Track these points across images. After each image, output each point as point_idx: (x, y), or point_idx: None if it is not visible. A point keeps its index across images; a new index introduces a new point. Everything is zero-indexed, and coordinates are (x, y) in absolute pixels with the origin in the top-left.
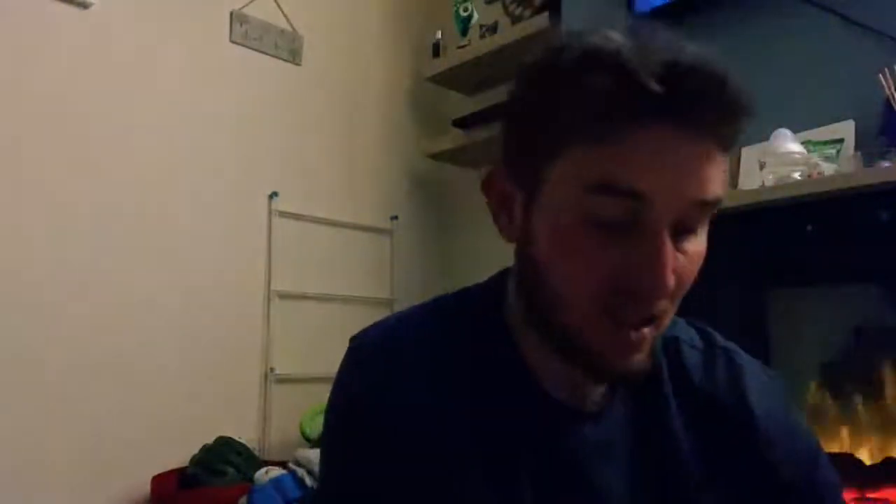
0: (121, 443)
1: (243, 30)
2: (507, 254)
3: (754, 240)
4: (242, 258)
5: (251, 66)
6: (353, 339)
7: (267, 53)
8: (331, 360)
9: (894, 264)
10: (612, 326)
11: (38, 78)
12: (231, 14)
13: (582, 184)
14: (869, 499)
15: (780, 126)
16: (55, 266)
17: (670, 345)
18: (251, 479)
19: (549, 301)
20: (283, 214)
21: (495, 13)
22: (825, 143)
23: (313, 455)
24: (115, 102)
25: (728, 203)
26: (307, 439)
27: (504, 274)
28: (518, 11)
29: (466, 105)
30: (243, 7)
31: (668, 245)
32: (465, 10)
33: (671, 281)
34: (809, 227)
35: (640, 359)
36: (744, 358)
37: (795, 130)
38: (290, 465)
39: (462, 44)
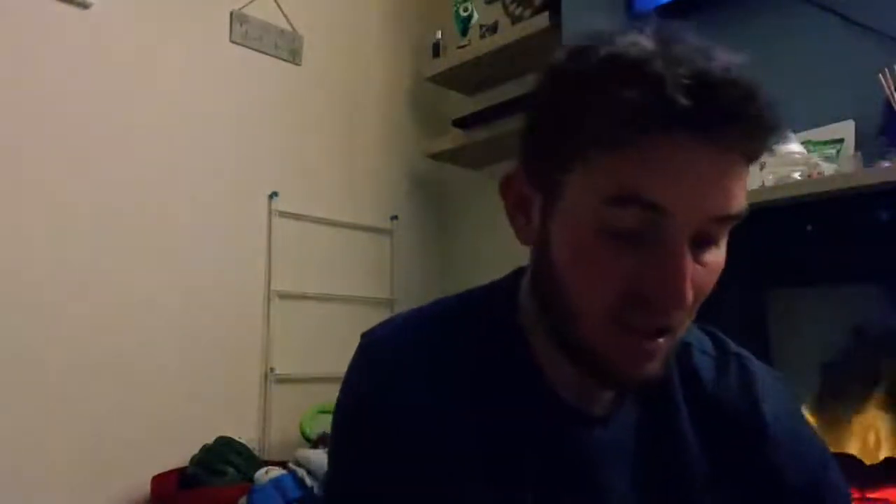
0: (121, 443)
1: (243, 30)
2: (507, 254)
3: (754, 240)
4: (242, 258)
5: (251, 66)
6: (363, 337)
7: (267, 53)
8: (331, 360)
9: (894, 264)
10: (625, 335)
11: (38, 78)
12: (231, 14)
13: (602, 192)
14: (869, 499)
15: None
16: (55, 266)
17: (682, 350)
18: (251, 479)
19: (563, 306)
20: (283, 214)
21: (495, 13)
22: (825, 143)
23: (313, 455)
24: (115, 102)
25: None
26: (307, 439)
27: (518, 273)
28: (518, 11)
29: (466, 105)
30: (243, 7)
31: (688, 259)
32: (465, 10)
33: (690, 295)
34: (809, 227)
35: (653, 367)
36: (756, 364)
37: (795, 130)
38: (290, 465)
39: (462, 44)
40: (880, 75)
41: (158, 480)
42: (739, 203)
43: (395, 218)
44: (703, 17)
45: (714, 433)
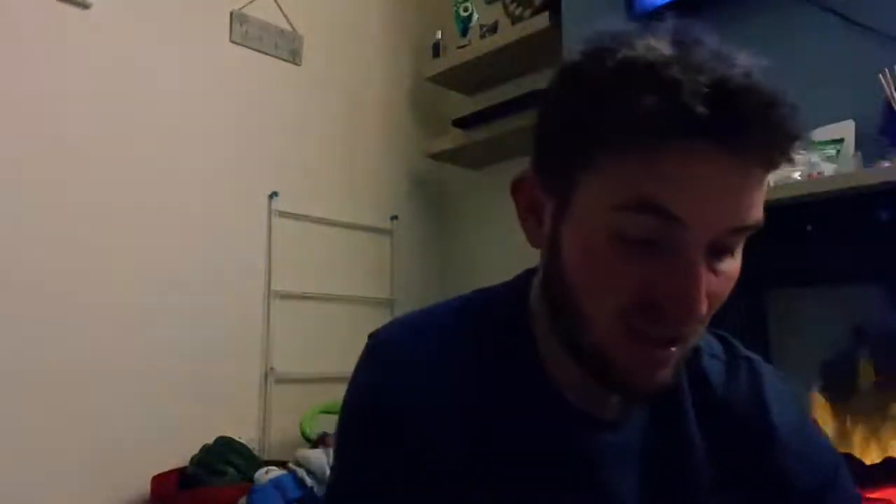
0: (121, 443)
1: (243, 30)
2: (507, 254)
3: (754, 240)
4: (242, 258)
5: (251, 66)
6: (370, 337)
7: (267, 53)
8: (331, 360)
9: (894, 264)
10: (636, 343)
11: (38, 78)
12: (231, 14)
13: (616, 199)
14: (869, 499)
15: None
16: (53, 266)
17: (691, 354)
18: (251, 479)
19: (574, 311)
20: (283, 214)
21: (495, 13)
22: (825, 143)
23: (313, 455)
24: (114, 102)
25: None
26: (307, 439)
27: (529, 275)
28: (518, 11)
29: (466, 105)
30: (243, 7)
31: (703, 269)
32: (465, 10)
33: (704, 307)
34: (809, 227)
35: (663, 376)
36: (766, 368)
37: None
38: (290, 465)
39: (462, 44)
40: (880, 75)
41: (158, 480)
42: (758, 212)
43: (395, 218)
44: (703, 18)
45: (722, 437)
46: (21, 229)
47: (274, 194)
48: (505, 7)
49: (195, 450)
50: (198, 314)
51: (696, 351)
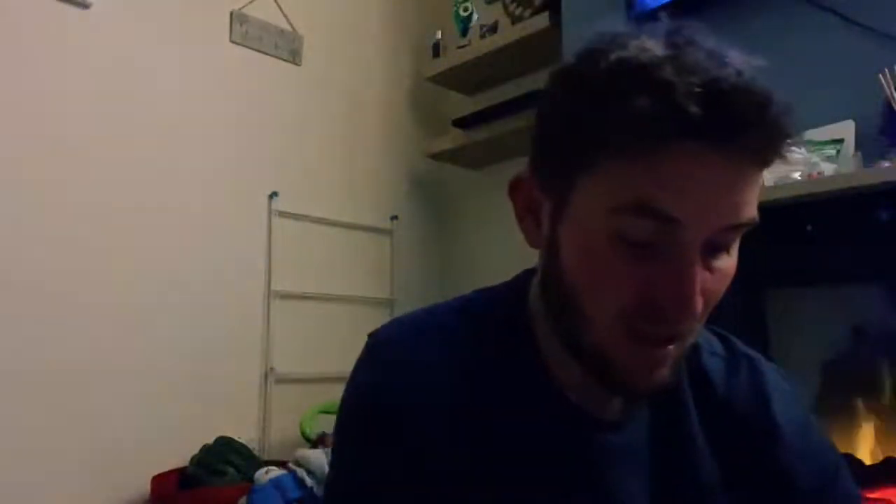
0: (121, 443)
1: (243, 30)
2: (507, 254)
3: (754, 239)
4: (242, 258)
5: (251, 66)
6: (370, 337)
7: (267, 53)
8: (331, 360)
9: (894, 264)
10: (635, 343)
11: (38, 78)
12: (231, 14)
13: (612, 201)
14: (869, 499)
15: None
16: (53, 266)
17: (691, 352)
18: (251, 479)
19: (573, 312)
20: (283, 214)
21: (495, 13)
22: (825, 143)
23: (313, 455)
24: (114, 102)
25: None
26: (307, 439)
27: (528, 275)
28: (518, 11)
29: (466, 105)
30: (243, 7)
31: (697, 268)
32: (465, 10)
33: (699, 305)
34: (809, 227)
35: (662, 375)
36: (766, 366)
37: (795, 130)
38: (290, 465)
39: (462, 44)
40: (880, 75)
41: (158, 480)
42: (752, 210)
43: (395, 218)
44: (702, 18)
45: (725, 435)
46: (21, 229)
47: (274, 194)
48: (505, 7)
49: (195, 450)
50: (198, 314)
51: (696, 349)
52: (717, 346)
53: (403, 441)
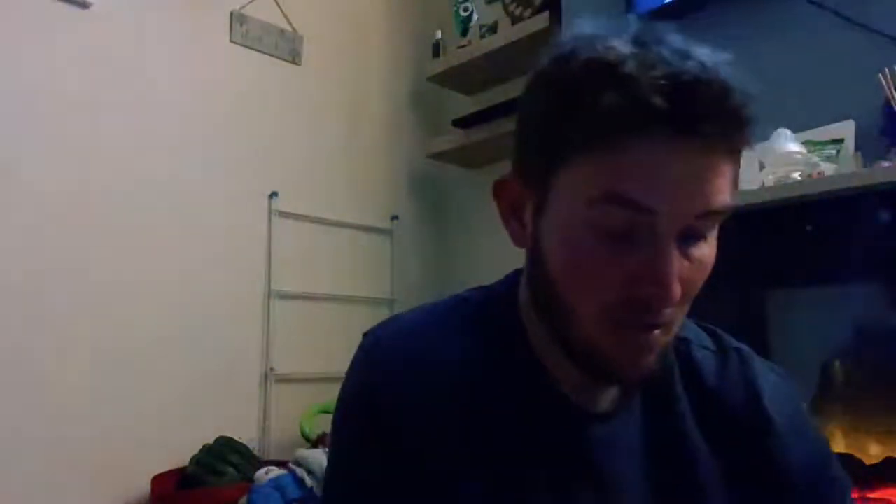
0: (121, 443)
1: (243, 30)
2: (507, 254)
3: (754, 240)
4: (242, 258)
5: (251, 66)
6: (365, 336)
7: (267, 53)
8: (331, 359)
9: (894, 264)
10: (620, 332)
11: (38, 78)
12: (231, 14)
13: (587, 194)
14: (869, 499)
15: (780, 126)
16: (53, 266)
17: (681, 346)
18: (251, 479)
19: (559, 307)
20: (283, 214)
21: (495, 13)
22: (825, 143)
23: (313, 455)
24: (115, 102)
25: None
26: (307, 439)
27: (518, 273)
28: (518, 11)
29: (466, 105)
30: (243, 7)
31: (673, 255)
32: (465, 10)
33: (677, 291)
34: (809, 227)
35: (649, 362)
36: (756, 359)
37: (795, 130)
38: (290, 465)
39: (462, 44)
40: (880, 75)
41: (158, 480)
42: (724, 198)
43: (395, 218)
44: (702, 17)
45: (716, 427)
46: (20, 229)
47: (274, 194)
48: (505, 7)
49: (195, 450)
50: (198, 314)
51: (686, 343)
52: (707, 341)
53: (398, 438)
